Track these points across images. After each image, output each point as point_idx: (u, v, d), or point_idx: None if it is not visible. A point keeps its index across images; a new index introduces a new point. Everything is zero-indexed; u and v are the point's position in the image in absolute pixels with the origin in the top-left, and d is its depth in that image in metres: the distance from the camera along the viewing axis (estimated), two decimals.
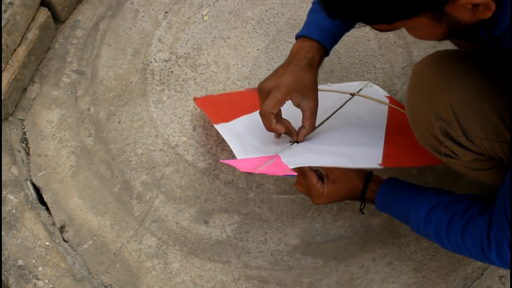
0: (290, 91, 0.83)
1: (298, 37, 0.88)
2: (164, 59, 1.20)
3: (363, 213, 0.90)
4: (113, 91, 1.16)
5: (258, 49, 1.21)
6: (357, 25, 0.63)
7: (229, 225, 1.00)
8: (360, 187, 0.85)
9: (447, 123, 0.71)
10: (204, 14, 1.27)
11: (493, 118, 0.67)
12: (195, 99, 1.10)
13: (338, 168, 0.84)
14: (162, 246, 0.98)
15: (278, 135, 0.91)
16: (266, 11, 1.27)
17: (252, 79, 1.17)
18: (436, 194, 0.78)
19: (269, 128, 0.85)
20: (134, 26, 1.25)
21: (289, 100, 0.84)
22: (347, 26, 0.88)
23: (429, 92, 0.74)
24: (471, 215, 0.72)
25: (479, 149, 0.71)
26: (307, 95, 0.84)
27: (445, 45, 0.82)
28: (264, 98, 0.84)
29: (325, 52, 0.87)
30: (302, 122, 0.87)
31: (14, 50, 1.10)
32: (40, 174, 1.06)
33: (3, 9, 1.05)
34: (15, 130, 1.10)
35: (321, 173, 0.88)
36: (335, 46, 0.96)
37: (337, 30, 0.86)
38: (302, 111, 0.86)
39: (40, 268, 0.95)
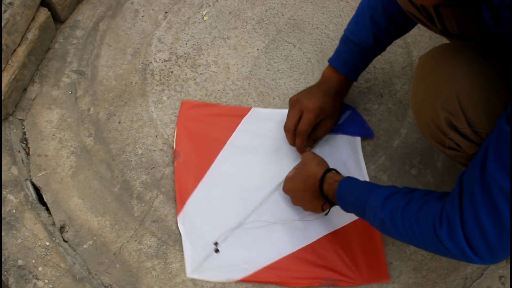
0: (320, 114, 0.99)
1: (329, 63, 1.02)
2: (164, 59, 1.20)
3: (323, 209, 0.92)
4: (113, 91, 1.16)
5: (258, 49, 1.21)
6: None
7: None
8: (319, 174, 0.89)
9: (453, 115, 0.71)
10: (204, 14, 1.27)
11: (499, 110, 0.66)
12: (184, 102, 1.12)
13: (306, 155, 0.96)
14: (162, 246, 0.98)
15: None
16: (266, 11, 1.27)
17: (252, 79, 1.17)
18: (397, 187, 0.77)
19: (299, 147, 1.01)
20: (134, 26, 1.25)
21: None
22: (371, 57, 1.01)
23: (435, 84, 0.74)
24: (429, 199, 0.71)
25: (483, 141, 0.71)
26: (329, 117, 1.01)
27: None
28: (293, 109, 1.00)
29: (351, 82, 1.04)
30: (313, 132, 1.02)
31: (14, 50, 1.10)
32: (40, 174, 1.06)
33: (3, 9, 1.05)
34: (15, 130, 1.10)
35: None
36: (335, 46, 0.99)
37: (361, 63, 1.01)
38: (320, 126, 1.02)
39: (40, 268, 0.95)
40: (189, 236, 0.97)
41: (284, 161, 1.04)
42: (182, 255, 0.97)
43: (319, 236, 0.97)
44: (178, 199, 1.01)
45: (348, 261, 0.94)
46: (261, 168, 1.05)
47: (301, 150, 1.02)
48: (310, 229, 0.98)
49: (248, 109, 1.12)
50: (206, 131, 1.08)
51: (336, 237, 0.97)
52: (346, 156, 1.05)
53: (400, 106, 1.13)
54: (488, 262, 0.64)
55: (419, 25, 1.24)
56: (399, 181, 1.05)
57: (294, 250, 0.96)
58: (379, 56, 1.19)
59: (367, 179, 1.03)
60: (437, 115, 0.73)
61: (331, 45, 1.21)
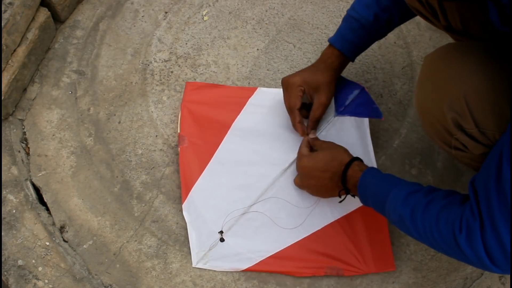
0: (303, 84, 0.97)
1: (328, 42, 0.99)
2: (164, 59, 1.20)
3: (351, 194, 0.90)
4: (113, 91, 1.16)
5: (258, 49, 1.21)
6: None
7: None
8: (346, 159, 0.88)
9: (460, 115, 0.71)
10: (204, 14, 1.27)
11: (507, 111, 0.66)
12: (187, 83, 1.12)
13: (328, 142, 0.95)
14: (162, 246, 0.98)
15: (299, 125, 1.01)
16: (266, 11, 1.27)
17: (252, 79, 1.17)
18: (421, 185, 0.77)
19: (294, 124, 1.00)
20: (134, 26, 1.25)
21: None
22: (370, 37, 0.98)
23: (442, 84, 0.73)
24: (451, 200, 0.70)
25: (490, 142, 0.70)
26: (319, 91, 0.97)
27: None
28: (284, 88, 1.00)
29: (346, 59, 0.98)
30: (310, 113, 0.99)
31: (14, 50, 1.10)
32: (40, 174, 1.06)
33: (3, 9, 1.05)
34: (15, 130, 1.10)
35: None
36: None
37: (358, 40, 0.96)
38: (313, 103, 0.99)
39: (40, 268, 0.95)
40: (194, 225, 0.97)
41: (288, 145, 1.02)
42: (182, 255, 0.97)
43: (324, 224, 0.96)
44: (183, 186, 1.00)
45: (353, 249, 0.94)
46: (265, 154, 1.03)
47: (300, 130, 1.00)
48: (315, 217, 0.97)
49: (254, 89, 1.10)
50: (210, 114, 1.06)
51: (341, 224, 0.96)
52: (353, 139, 1.02)
53: (400, 106, 1.13)
54: (505, 272, 0.63)
55: (419, 25, 1.24)
56: None
57: (299, 239, 0.95)
58: (379, 56, 1.19)
59: (374, 163, 1.02)
60: (444, 115, 0.73)
61: None
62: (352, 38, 0.96)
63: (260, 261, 0.94)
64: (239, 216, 0.97)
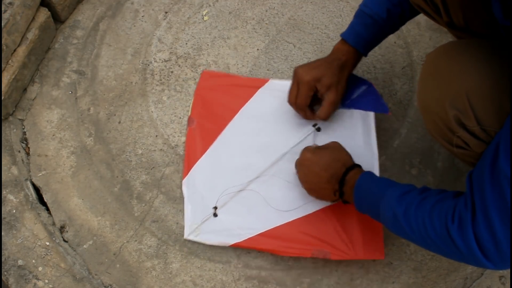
0: (316, 83, 0.96)
1: (341, 37, 0.99)
2: (164, 59, 1.20)
3: (342, 200, 0.90)
4: (113, 91, 1.16)
5: (258, 49, 1.21)
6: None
7: None
8: (349, 162, 0.89)
9: (462, 113, 0.71)
10: (204, 14, 1.27)
11: (508, 108, 0.66)
12: (204, 72, 1.16)
13: (335, 142, 0.94)
14: (162, 246, 0.98)
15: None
16: (266, 11, 1.27)
17: None
18: (415, 186, 0.77)
19: (305, 117, 1.02)
20: (134, 26, 1.25)
21: None
22: (383, 33, 0.98)
23: (444, 81, 0.74)
24: (444, 196, 0.70)
25: (492, 139, 0.69)
26: (330, 89, 0.97)
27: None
28: (292, 82, 1.00)
29: (359, 55, 0.99)
30: (319, 111, 1.00)
31: (14, 50, 1.10)
32: (40, 174, 1.06)
33: (3, 9, 1.05)
34: (15, 130, 1.10)
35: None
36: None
37: (371, 36, 0.97)
38: (323, 101, 0.99)
39: (40, 268, 0.95)
40: (191, 199, 1.00)
41: (291, 132, 1.04)
42: (182, 255, 0.97)
43: (317, 209, 0.96)
44: (186, 163, 1.03)
45: (343, 234, 0.93)
46: (267, 137, 1.05)
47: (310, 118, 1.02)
48: (309, 201, 0.97)
49: (266, 81, 1.13)
50: (221, 100, 1.10)
51: (334, 210, 0.96)
52: (357, 132, 1.02)
53: (400, 106, 1.13)
54: (498, 266, 0.63)
55: (419, 25, 1.24)
56: (399, 181, 1.04)
57: (290, 220, 0.96)
58: (379, 56, 1.19)
59: (376, 157, 1.00)
60: (446, 113, 0.73)
61: (331, 45, 1.21)
62: (366, 35, 0.96)
63: (248, 238, 0.95)
64: (235, 193, 0.99)
